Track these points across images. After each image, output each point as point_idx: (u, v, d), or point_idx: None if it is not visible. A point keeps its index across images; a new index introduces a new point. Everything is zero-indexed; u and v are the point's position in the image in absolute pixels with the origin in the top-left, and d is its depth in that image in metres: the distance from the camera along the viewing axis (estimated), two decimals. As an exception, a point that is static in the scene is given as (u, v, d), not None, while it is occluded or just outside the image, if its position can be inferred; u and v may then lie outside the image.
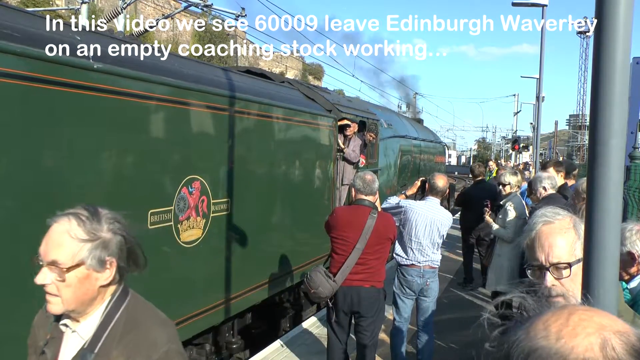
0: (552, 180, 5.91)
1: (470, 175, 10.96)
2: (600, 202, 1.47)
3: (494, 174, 15.79)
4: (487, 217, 6.98)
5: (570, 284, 1.75)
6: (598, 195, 1.47)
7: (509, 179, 6.80)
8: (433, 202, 5.56)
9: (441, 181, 5.55)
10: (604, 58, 1.42)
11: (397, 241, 5.54)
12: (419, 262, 5.46)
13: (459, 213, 10.90)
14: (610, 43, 1.40)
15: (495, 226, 6.65)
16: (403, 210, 5.56)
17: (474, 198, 9.95)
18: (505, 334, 0.84)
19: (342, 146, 8.57)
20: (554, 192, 5.85)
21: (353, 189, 5.10)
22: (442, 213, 5.56)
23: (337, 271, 4.92)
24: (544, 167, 6.86)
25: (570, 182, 7.13)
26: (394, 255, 5.64)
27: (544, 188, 5.83)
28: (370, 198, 5.01)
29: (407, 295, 5.55)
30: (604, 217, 1.47)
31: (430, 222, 5.44)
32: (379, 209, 5.34)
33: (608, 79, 1.42)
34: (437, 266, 5.62)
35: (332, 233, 5.03)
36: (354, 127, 8.79)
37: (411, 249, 5.46)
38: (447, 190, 5.66)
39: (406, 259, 5.49)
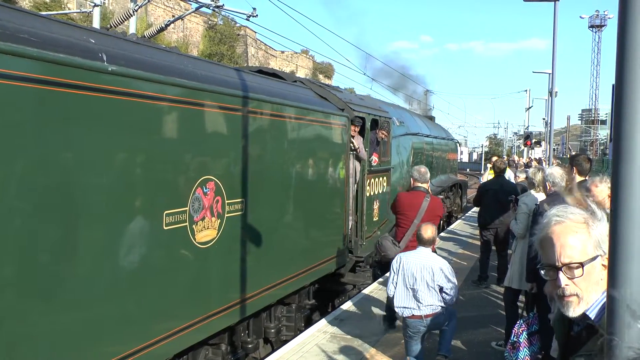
0: (553, 177, 5.82)
1: (492, 170, 10.81)
2: (625, 198, 1.44)
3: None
4: (512, 213, 7.03)
5: (583, 283, 1.74)
6: (623, 191, 1.45)
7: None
8: (423, 251, 5.52)
9: (428, 231, 5.52)
10: (628, 50, 1.39)
11: (395, 294, 5.49)
12: (420, 311, 5.38)
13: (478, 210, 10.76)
14: (634, 35, 1.37)
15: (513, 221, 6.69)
16: (393, 262, 5.57)
17: (489, 191, 9.84)
18: None
19: (356, 145, 8.54)
20: (557, 188, 5.76)
21: (412, 179, 6.90)
22: (433, 259, 5.47)
23: (400, 239, 6.62)
24: (572, 159, 6.69)
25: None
26: (395, 308, 5.57)
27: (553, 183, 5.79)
28: (424, 185, 6.72)
29: (416, 337, 5.51)
30: (629, 213, 1.44)
31: (421, 267, 5.38)
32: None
33: (632, 72, 1.39)
34: (439, 310, 5.44)
35: (397, 212, 6.79)
36: (355, 128, 8.72)
37: (409, 298, 5.40)
38: (436, 240, 5.71)
39: (405, 308, 5.43)
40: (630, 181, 1.43)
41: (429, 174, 6.89)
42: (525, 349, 3.75)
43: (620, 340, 1.37)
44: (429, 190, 6.95)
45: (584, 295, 1.74)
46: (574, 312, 1.75)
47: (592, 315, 1.73)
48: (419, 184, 6.73)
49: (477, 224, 10.62)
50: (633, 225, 1.43)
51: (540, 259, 1.86)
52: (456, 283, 5.55)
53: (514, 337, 3.84)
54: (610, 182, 1.51)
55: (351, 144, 8.49)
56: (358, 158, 8.74)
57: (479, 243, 13.83)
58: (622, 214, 1.44)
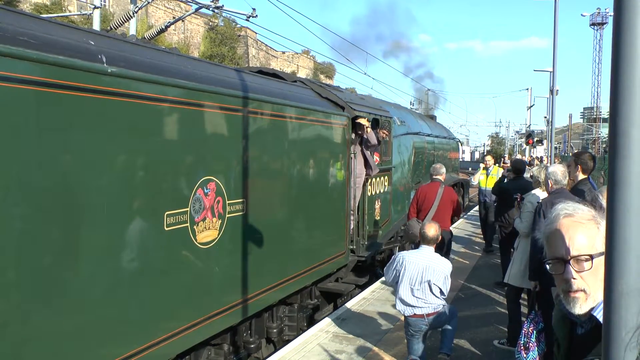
0: (555, 175, 5.79)
1: (511, 170, 10.52)
2: (622, 195, 1.44)
3: (494, 171, 13.53)
4: (516, 211, 6.99)
5: (591, 278, 1.71)
6: (619, 188, 1.45)
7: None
8: (426, 250, 5.54)
9: (432, 230, 5.54)
10: (624, 45, 1.39)
11: (396, 292, 5.55)
12: (421, 310, 5.42)
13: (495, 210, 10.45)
14: (630, 29, 1.37)
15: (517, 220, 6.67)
16: (396, 262, 5.58)
17: (509, 192, 9.55)
18: None
19: (368, 132, 8.65)
20: (559, 187, 5.74)
21: (430, 174, 8.57)
22: (435, 260, 5.50)
23: (423, 218, 7.74)
24: (577, 156, 6.58)
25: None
26: (397, 308, 5.63)
27: (555, 181, 5.76)
28: (440, 177, 8.32)
29: (418, 336, 5.54)
30: (626, 210, 1.44)
31: (424, 267, 5.40)
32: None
33: (628, 66, 1.38)
34: (441, 309, 5.49)
35: (418, 200, 8.18)
36: (366, 123, 8.67)
37: (411, 297, 5.42)
38: (440, 237, 5.75)
39: (406, 307, 5.46)
40: (627, 177, 1.43)
41: (443, 169, 8.54)
42: (536, 348, 3.75)
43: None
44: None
45: (591, 291, 1.70)
46: (580, 309, 1.72)
47: (599, 316, 1.68)
48: (435, 177, 8.32)
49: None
50: (630, 221, 1.44)
51: (546, 254, 1.82)
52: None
53: (524, 337, 3.81)
54: (608, 177, 1.51)
55: (366, 137, 8.69)
56: (367, 147, 8.84)
57: (479, 240, 13.89)
58: (618, 210, 1.44)
